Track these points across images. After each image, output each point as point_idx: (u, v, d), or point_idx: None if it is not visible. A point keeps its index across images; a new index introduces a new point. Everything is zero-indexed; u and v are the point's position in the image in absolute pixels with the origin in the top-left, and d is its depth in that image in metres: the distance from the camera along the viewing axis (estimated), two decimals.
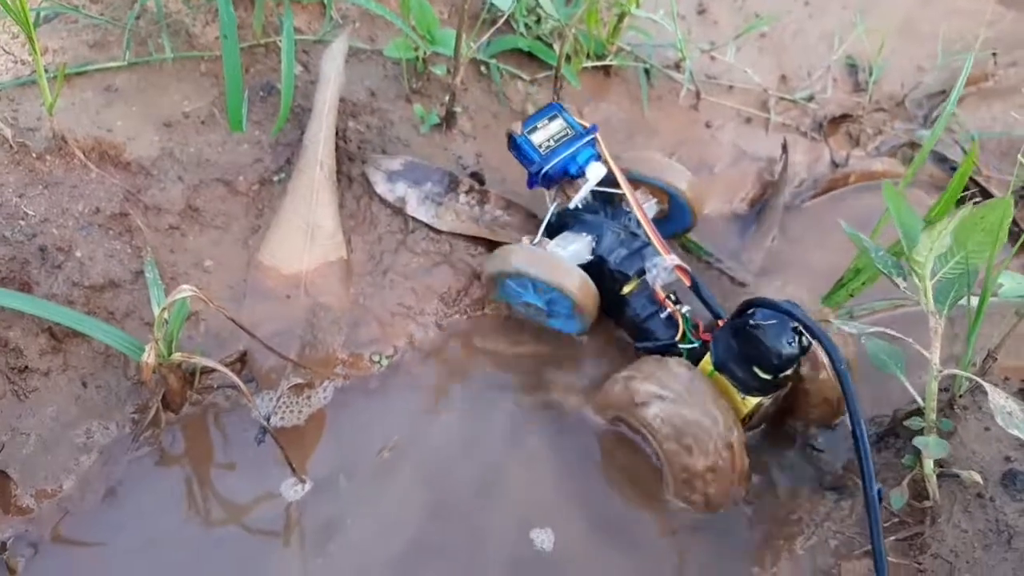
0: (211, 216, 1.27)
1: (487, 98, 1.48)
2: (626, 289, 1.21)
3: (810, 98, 1.63)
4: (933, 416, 0.99)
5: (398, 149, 1.37)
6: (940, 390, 0.99)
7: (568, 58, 1.46)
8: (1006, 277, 1.02)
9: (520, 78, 1.51)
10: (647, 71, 1.58)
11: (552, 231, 1.27)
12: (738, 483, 1.07)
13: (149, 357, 1.03)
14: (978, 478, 0.98)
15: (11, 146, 1.17)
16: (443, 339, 1.26)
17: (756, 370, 1.06)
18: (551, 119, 1.26)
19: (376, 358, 1.22)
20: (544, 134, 1.25)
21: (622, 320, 1.23)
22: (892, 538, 1.00)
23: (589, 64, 1.53)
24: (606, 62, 1.54)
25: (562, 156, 1.23)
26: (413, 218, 1.32)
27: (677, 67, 1.60)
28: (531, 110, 1.49)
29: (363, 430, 1.15)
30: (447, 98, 1.39)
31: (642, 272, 1.19)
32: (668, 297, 1.18)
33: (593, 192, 1.27)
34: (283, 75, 1.27)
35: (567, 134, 1.25)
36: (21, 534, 1.02)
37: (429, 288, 1.28)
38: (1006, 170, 1.51)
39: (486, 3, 1.48)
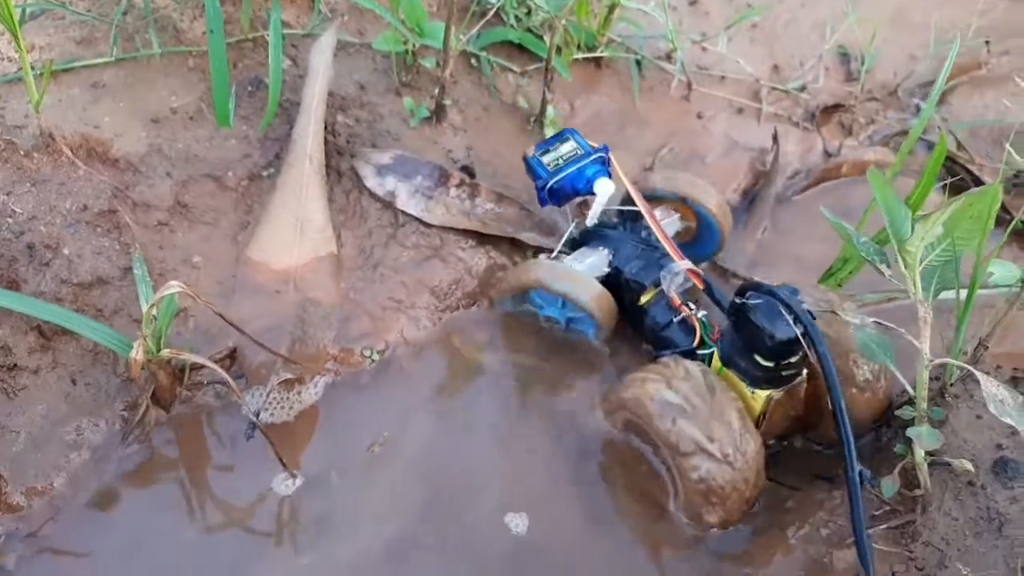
0: (200, 212, 1.27)
1: (477, 91, 1.48)
2: (644, 299, 1.22)
3: (802, 88, 1.63)
4: (924, 405, 0.99)
5: (388, 143, 1.37)
6: (931, 379, 0.99)
7: (559, 50, 1.46)
8: (996, 265, 1.02)
9: (511, 70, 1.51)
10: (638, 62, 1.57)
11: (572, 247, 1.30)
12: (750, 506, 1.06)
13: (138, 354, 1.03)
14: (969, 466, 0.97)
15: None
16: (434, 333, 1.26)
17: (757, 358, 1.04)
18: (563, 141, 1.31)
19: (367, 353, 1.22)
20: (554, 154, 1.29)
21: (643, 331, 1.24)
22: (883, 526, 1.00)
23: (580, 56, 1.53)
24: (597, 54, 1.54)
25: (568, 172, 1.26)
26: (403, 212, 1.31)
27: (668, 58, 1.60)
28: (522, 102, 1.49)
29: (354, 425, 1.15)
30: (437, 91, 1.38)
31: (659, 282, 1.20)
32: (685, 303, 1.18)
33: (619, 211, 1.30)
34: (271, 69, 1.27)
35: (576, 153, 1.28)
36: (12, 532, 1.02)
37: (420, 282, 1.28)
38: (998, 158, 1.51)
39: None
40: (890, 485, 0.99)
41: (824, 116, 1.62)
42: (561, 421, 1.17)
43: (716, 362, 1.11)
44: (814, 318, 1.00)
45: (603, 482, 1.12)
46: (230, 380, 1.03)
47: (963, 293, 1.00)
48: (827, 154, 1.56)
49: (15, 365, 1.09)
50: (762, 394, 1.07)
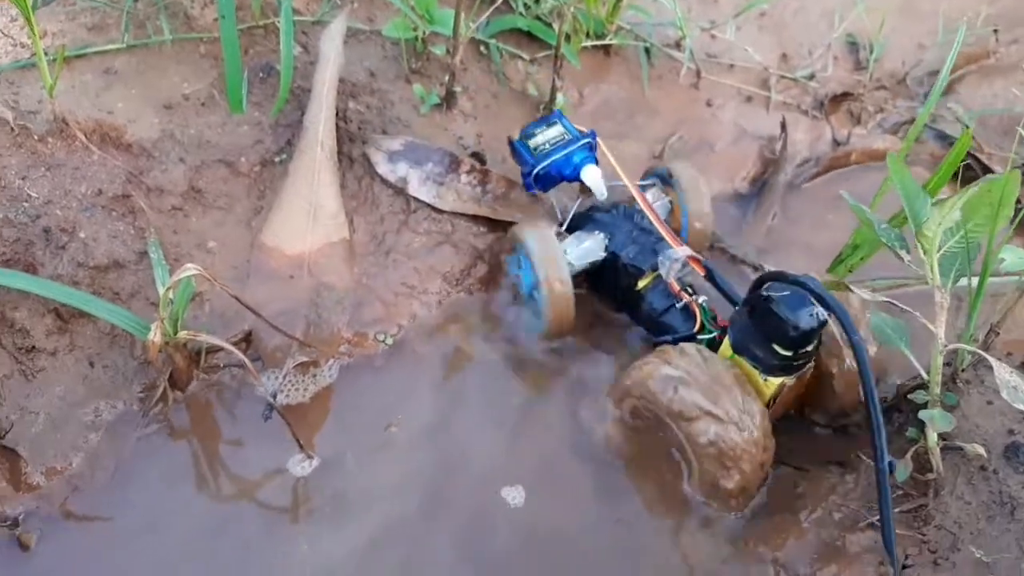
0: (213, 197, 1.27)
1: (487, 78, 1.48)
2: (641, 284, 1.22)
3: (811, 76, 1.63)
4: (937, 390, 0.99)
5: (398, 129, 1.37)
6: (943, 364, 1.00)
7: (568, 37, 1.46)
8: (1007, 251, 1.02)
9: (520, 58, 1.51)
10: (647, 50, 1.58)
11: (568, 231, 1.29)
12: (762, 479, 1.07)
13: (155, 336, 1.03)
14: (981, 451, 0.98)
15: (12, 129, 1.17)
16: (446, 317, 1.27)
17: (775, 347, 1.04)
18: (550, 125, 1.30)
19: (381, 337, 1.22)
20: (541, 138, 1.28)
21: (639, 316, 1.24)
22: (896, 510, 1.00)
23: (589, 43, 1.53)
24: (606, 41, 1.54)
25: (554, 158, 1.25)
26: (415, 198, 1.32)
27: (677, 46, 1.60)
28: (531, 89, 1.49)
29: (369, 407, 1.16)
30: (447, 78, 1.38)
31: (656, 267, 1.19)
32: (684, 289, 1.18)
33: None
34: (282, 56, 1.27)
35: (563, 138, 1.28)
36: (32, 511, 1.03)
37: (432, 268, 1.29)
38: (1007, 147, 1.51)
39: None
40: (903, 469, 0.99)
41: (833, 104, 1.62)
42: (579, 401, 1.18)
43: (727, 349, 1.11)
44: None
45: (621, 467, 1.12)
46: (247, 362, 1.04)
47: (975, 280, 1.01)
48: (836, 142, 1.56)
49: (33, 347, 1.10)
50: (775, 381, 1.07)
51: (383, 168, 1.33)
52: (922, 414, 0.98)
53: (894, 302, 0.99)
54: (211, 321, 1.17)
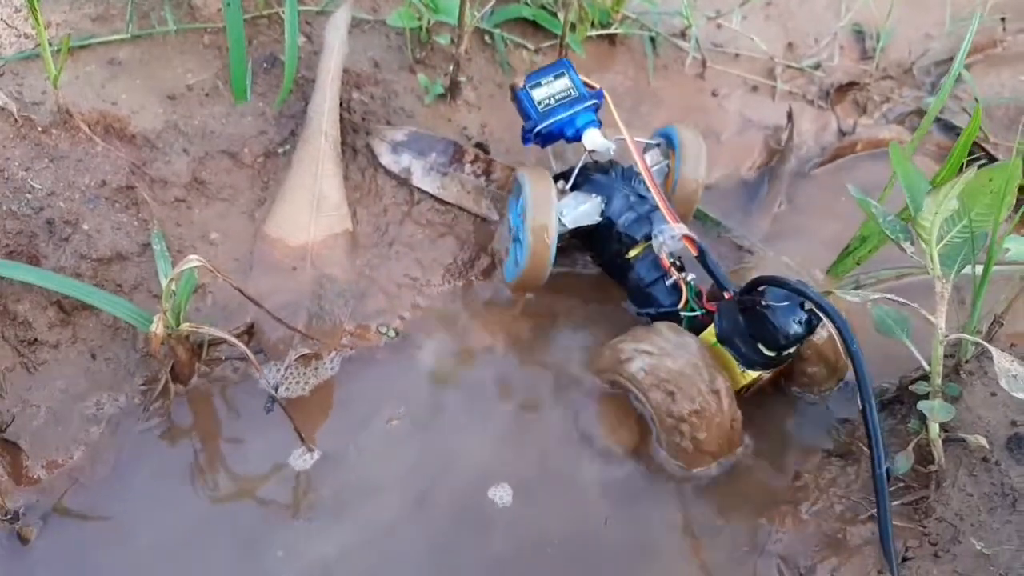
0: (216, 188, 1.27)
1: (491, 68, 1.47)
2: (632, 253, 1.21)
3: (817, 66, 1.62)
4: (939, 381, 0.99)
5: (402, 120, 1.37)
6: (946, 356, 0.99)
7: (573, 27, 1.46)
8: (1012, 241, 1.02)
9: (525, 47, 1.51)
10: (652, 39, 1.57)
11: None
12: (729, 427, 1.07)
13: (157, 328, 1.03)
14: (983, 442, 0.98)
15: (16, 120, 1.17)
16: (449, 309, 1.27)
17: (760, 347, 1.05)
18: (557, 76, 1.24)
19: (383, 330, 1.23)
20: (547, 91, 1.23)
21: (625, 283, 1.23)
22: (897, 502, 1.00)
23: (594, 33, 1.52)
24: (611, 31, 1.53)
25: (559, 117, 1.22)
26: (418, 189, 1.32)
27: (683, 35, 1.59)
28: None
29: (371, 400, 1.16)
30: (451, 68, 1.38)
31: (649, 237, 1.19)
32: (673, 264, 1.18)
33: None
34: (286, 46, 1.27)
35: (570, 95, 1.23)
36: (33, 504, 1.03)
37: (435, 259, 1.29)
38: (1014, 137, 1.50)
39: None
40: (904, 461, 0.99)
41: (839, 94, 1.61)
42: (579, 391, 1.18)
43: (710, 334, 1.11)
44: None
45: (617, 448, 1.13)
46: (250, 354, 1.04)
47: (978, 270, 1.00)
48: (841, 132, 1.55)
49: (35, 340, 1.10)
50: (752, 374, 1.09)
51: (387, 159, 1.33)
52: (921, 405, 0.98)
53: (889, 296, 0.99)
54: (213, 313, 1.17)
